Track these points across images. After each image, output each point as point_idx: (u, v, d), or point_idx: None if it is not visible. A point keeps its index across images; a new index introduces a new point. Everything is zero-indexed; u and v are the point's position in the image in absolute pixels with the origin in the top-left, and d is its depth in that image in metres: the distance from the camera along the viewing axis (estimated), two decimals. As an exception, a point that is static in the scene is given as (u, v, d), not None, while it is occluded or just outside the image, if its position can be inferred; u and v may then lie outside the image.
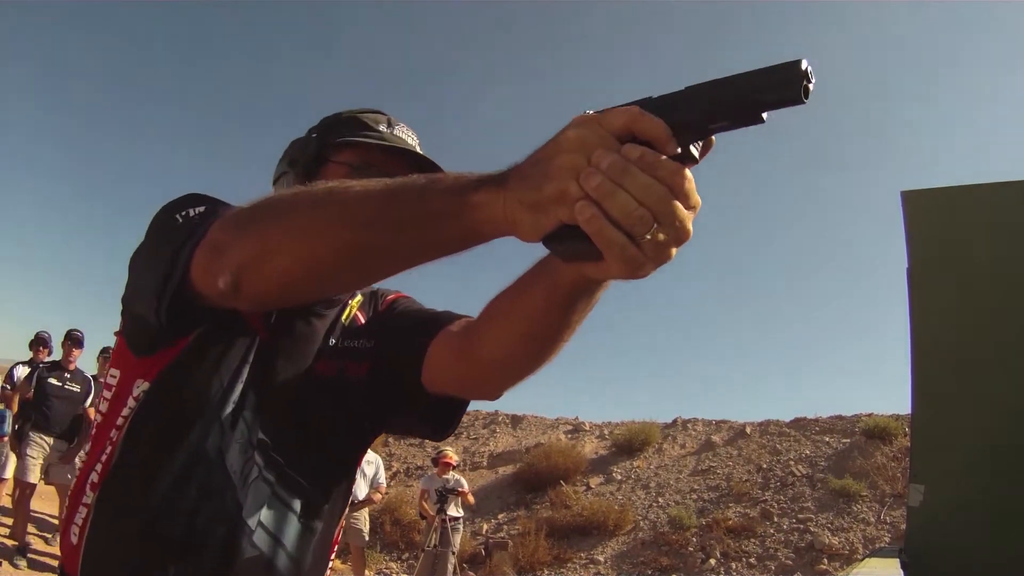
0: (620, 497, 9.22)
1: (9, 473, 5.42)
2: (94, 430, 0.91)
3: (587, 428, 12.10)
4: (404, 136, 1.03)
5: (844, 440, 9.39)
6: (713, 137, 0.53)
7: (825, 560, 7.09)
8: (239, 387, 0.88)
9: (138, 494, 0.83)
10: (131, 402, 0.86)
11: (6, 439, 5.31)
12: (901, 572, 2.18)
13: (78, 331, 5.81)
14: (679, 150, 0.51)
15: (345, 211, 0.62)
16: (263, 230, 0.67)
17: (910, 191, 2.44)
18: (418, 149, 1.03)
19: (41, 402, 5.46)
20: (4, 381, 5.64)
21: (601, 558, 8.05)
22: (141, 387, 0.86)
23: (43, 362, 5.77)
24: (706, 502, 8.67)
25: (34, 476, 5.38)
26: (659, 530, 8.20)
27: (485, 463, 11.22)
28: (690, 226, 0.50)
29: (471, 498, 7.00)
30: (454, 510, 6.57)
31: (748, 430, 10.38)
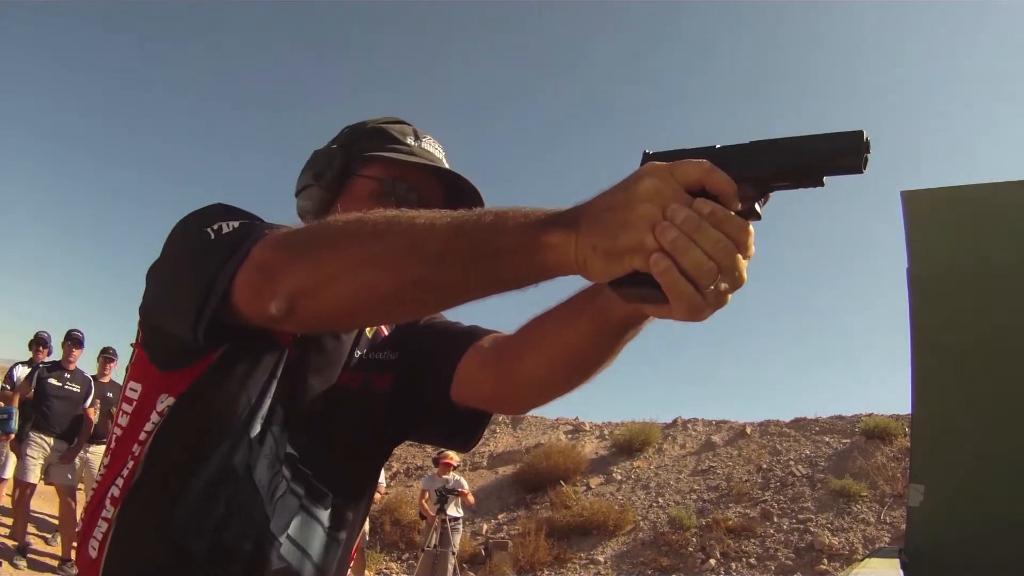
0: (620, 497, 9.23)
1: (9, 473, 5.43)
2: (113, 444, 0.89)
3: (587, 428, 12.10)
4: (431, 149, 1.02)
5: (844, 440, 9.40)
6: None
7: (825, 560, 7.10)
8: (267, 402, 0.87)
9: (163, 510, 0.81)
10: (155, 417, 0.85)
11: (12, 436, 5.31)
12: (901, 572, 2.18)
13: (78, 331, 5.82)
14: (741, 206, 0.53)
15: (411, 244, 0.61)
16: (321, 258, 0.66)
17: (910, 191, 2.44)
18: (445, 163, 1.02)
19: (41, 402, 5.46)
20: (4, 381, 5.63)
21: (601, 558, 8.05)
22: (166, 402, 0.85)
23: (43, 362, 5.76)
24: (706, 502, 8.67)
25: (34, 476, 5.38)
26: (659, 530, 8.21)
27: (485, 463, 11.23)
28: (746, 275, 0.53)
29: (471, 498, 7.00)
30: (454, 510, 6.58)
31: (748, 430, 10.39)
